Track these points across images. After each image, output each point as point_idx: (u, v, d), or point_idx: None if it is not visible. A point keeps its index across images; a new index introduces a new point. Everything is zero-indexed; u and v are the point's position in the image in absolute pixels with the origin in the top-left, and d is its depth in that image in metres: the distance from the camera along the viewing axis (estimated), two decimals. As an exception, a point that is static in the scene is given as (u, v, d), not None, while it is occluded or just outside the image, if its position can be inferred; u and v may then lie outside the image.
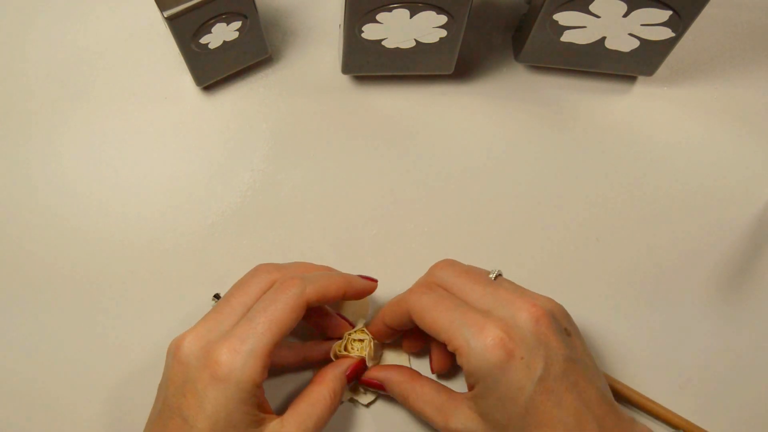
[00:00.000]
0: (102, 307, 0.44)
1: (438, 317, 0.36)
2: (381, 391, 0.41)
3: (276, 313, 0.35)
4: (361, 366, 0.41)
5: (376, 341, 0.42)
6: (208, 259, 0.45)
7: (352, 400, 0.42)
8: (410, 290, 0.39)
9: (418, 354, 0.43)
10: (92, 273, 0.45)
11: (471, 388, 0.36)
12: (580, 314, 0.45)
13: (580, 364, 0.35)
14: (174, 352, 0.35)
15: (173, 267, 0.45)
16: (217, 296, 0.39)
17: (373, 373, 0.41)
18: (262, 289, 0.37)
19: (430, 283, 0.39)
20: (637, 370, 0.44)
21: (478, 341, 0.34)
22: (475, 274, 0.38)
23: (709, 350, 0.45)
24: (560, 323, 0.36)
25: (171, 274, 0.45)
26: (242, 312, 0.36)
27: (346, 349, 0.41)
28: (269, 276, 0.38)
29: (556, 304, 0.37)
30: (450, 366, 0.41)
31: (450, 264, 0.39)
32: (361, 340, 0.41)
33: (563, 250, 0.46)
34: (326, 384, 0.38)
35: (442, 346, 0.36)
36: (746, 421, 0.44)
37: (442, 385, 0.39)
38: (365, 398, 0.42)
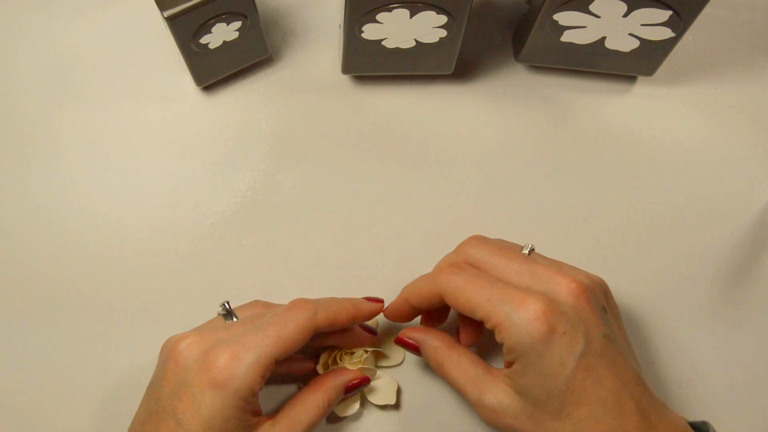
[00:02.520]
0: (101, 307, 0.44)
1: (473, 296, 0.35)
2: (415, 353, 0.40)
3: (285, 330, 0.35)
4: (364, 382, 0.40)
5: (370, 353, 0.41)
6: (208, 259, 0.45)
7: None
8: (440, 270, 0.37)
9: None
10: (92, 273, 0.45)
11: (509, 365, 0.35)
12: (580, 314, 0.45)
13: (617, 342, 0.35)
14: (171, 352, 0.35)
15: (173, 267, 0.45)
16: (226, 305, 0.38)
17: (412, 333, 0.40)
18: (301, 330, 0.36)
19: (459, 262, 0.37)
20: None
21: (520, 315, 0.33)
22: (508, 250, 0.37)
23: (709, 350, 0.45)
24: (599, 300, 0.36)
25: (171, 274, 0.45)
26: (247, 324, 0.36)
27: (335, 361, 0.41)
28: (314, 316, 0.36)
29: (597, 279, 0.37)
30: (478, 340, 0.40)
31: (481, 241, 0.38)
32: (352, 353, 0.41)
33: (563, 250, 0.46)
34: (323, 392, 0.38)
35: (472, 320, 0.35)
36: (746, 421, 0.44)
37: (480, 358, 0.38)
38: (342, 411, 0.41)
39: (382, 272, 0.45)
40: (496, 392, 0.35)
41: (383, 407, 0.42)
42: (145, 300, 0.44)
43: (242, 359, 0.33)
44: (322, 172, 0.47)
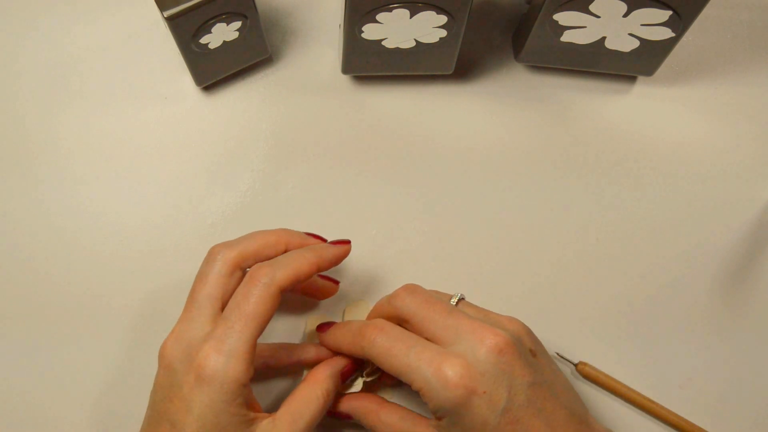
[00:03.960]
0: (101, 307, 0.44)
1: (394, 361, 0.35)
2: (350, 421, 0.40)
3: (249, 308, 0.34)
4: (354, 367, 0.40)
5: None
6: (208, 259, 0.45)
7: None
8: (360, 332, 0.37)
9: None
10: (91, 272, 0.45)
11: (438, 419, 0.35)
12: (579, 313, 0.45)
13: (545, 386, 0.35)
14: (159, 357, 0.36)
15: (173, 267, 0.45)
16: None
17: (341, 407, 0.40)
18: (222, 275, 0.36)
19: (380, 321, 0.37)
20: (637, 370, 0.44)
21: (437, 381, 0.34)
22: (435, 301, 0.37)
23: (709, 350, 0.45)
24: (525, 346, 0.36)
25: (171, 274, 0.45)
26: (210, 306, 0.36)
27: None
28: (224, 258, 0.37)
29: (520, 324, 0.37)
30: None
31: (411, 291, 0.38)
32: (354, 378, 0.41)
33: (563, 250, 0.46)
34: (320, 384, 0.38)
35: None
36: (746, 421, 0.44)
37: (411, 411, 0.39)
38: (347, 388, 0.41)
39: (381, 272, 0.45)
40: None
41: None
42: (144, 300, 0.44)
43: (221, 352, 0.33)
44: (322, 172, 0.47)
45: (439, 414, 0.35)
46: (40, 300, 0.44)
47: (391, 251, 0.46)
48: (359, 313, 0.44)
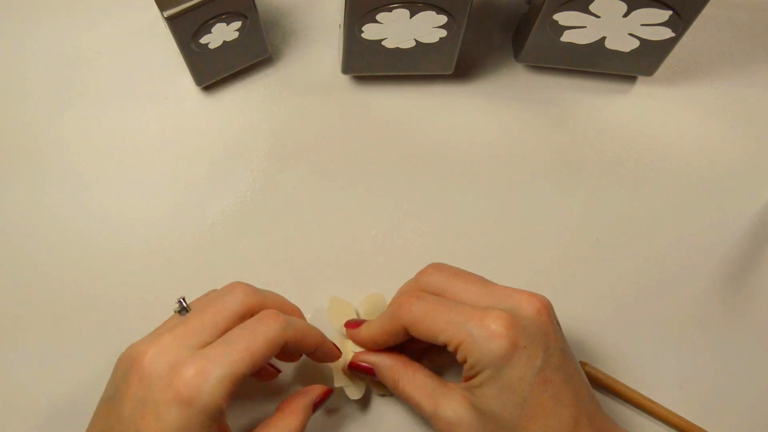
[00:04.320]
0: (100, 306, 0.44)
1: (434, 322, 0.35)
2: (370, 375, 0.40)
3: (255, 344, 0.33)
4: (329, 395, 0.39)
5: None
6: (208, 259, 0.45)
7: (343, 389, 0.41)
8: (398, 304, 0.37)
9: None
10: (90, 272, 0.45)
11: (468, 379, 0.35)
12: (580, 314, 0.45)
13: (572, 358, 0.36)
14: (133, 364, 0.33)
15: (173, 267, 0.45)
16: (182, 302, 0.37)
17: (364, 356, 0.40)
18: (236, 312, 0.35)
19: (416, 291, 0.37)
20: (637, 370, 0.44)
21: (481, 332, 0.34)
22: (466, 273, 0.38)
23: (709, 350, 0.45)
24: (555, 317, 0.37)
25: (171, 274, 0.45)
26: (213, 331, 0.34)
27: None
28: (246, 299, 0.36)
29: (547, 299, 0.37)
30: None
31: (438, 268, 0.38)
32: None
33: (563, 250, 0.46)
34: (295, 415, 0.37)
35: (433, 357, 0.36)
36: (746, 421, 0.44)
37: (435, 374, 0.38)
38: (355, 393, 0.41)
39: (382, 272, 0.45)
40: (453, 405, 0.35)
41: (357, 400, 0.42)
42: (144, 300, 0.44)
43: (210, 375, 0.32)
44: (322, 172, 0.47)
45: (476, 369, 0.34)
46: (36, 297, 0.44)
47: (391, 251, 0.46)
48: (376, 303, 0.44)
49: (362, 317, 0.43)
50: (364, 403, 0.43)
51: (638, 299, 0.45)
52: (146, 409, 0.32)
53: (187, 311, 0.36)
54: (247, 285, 0.37)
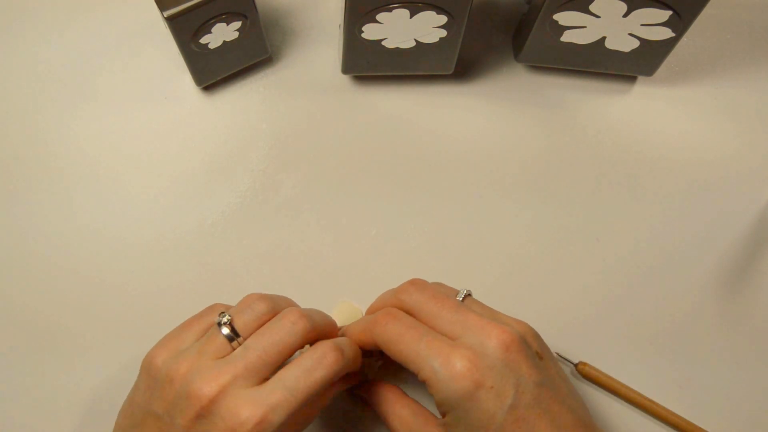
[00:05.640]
0: (100, 306, 0.44)
1: (404, 348, 0.35)
2: (365, 405, 0.41)
3: (313, 387, 0.34)
4: (356, 381, 0.40)
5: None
6: (208, 259, 0.45)
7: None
8: (373, 320, 0.37)
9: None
10: (91, 273, 0.45)
11: (444, 416, 0.35)
12: (579, 313, 0.45)
13: (552, 388, 0.35)
14: (193, 398, 0.33)
15: (173, 267, 0.45)
16: (229, 324, 0.36)
17: (361, 391, 0.40)
18: (295, 348, 0.35)
19: (392, 310, 0.37)
20: (636, 370, 0.44)
21: (445, 372, 0.33)
22: (443, 297, 0.37)
23: (709, 350, 0.45)
24: (531, 347, 0.36)
25: (171, 274, 0.45)
26: (273, 369, 0.35)
27: None
28: (305, 334, 0.36)
29: (527, 326, 0.37)
30: None
31: (418, 287, 0.38)
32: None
33: (563, 250, 0.46)
34: (321, 397, 0.37)
35: None
36: (746, 421, 0.44)
37: (423, 408, 0.38)
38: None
39: (381, 272, 0.45)
40: None
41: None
42: (144, 300, 0.44)
43: (271, 422, 0.32)
44: (322, 172, 0.47)
45: (444, 407, 0.34)
46: (36, 296, 0.44)
47: (391, 251, 0.46)
48: (345, 312, 0.44)
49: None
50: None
51: (638, 299, 0.45)
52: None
53: (234, 336, 0.36)
54: (301, 313, 0.36)
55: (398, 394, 0.40)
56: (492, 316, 0.37)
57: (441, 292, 0.38)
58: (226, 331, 0.35)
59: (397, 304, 0.38)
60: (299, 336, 0.35)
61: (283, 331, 0.35)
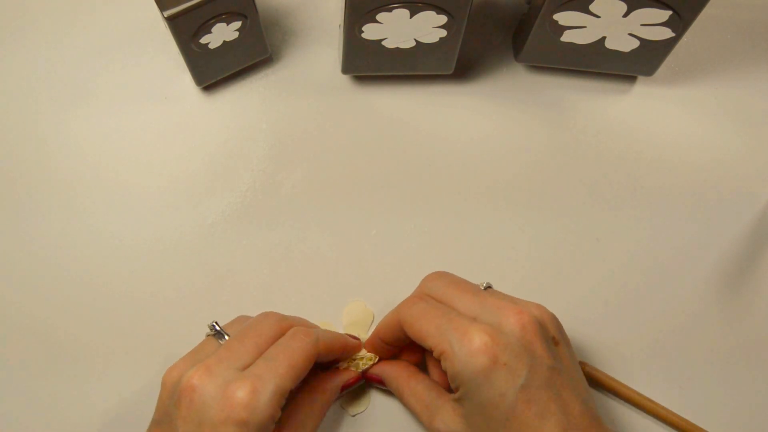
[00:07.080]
0: (100, 305, 0.44)
1: (425, 324, 0.36)
2: (380, 385, 0.41)
3: (294, 357, 0.35)
4: (357, 381, 0.41)
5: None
6: (208, 259, 0.45)
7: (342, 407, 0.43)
8: (402, 302, 0.39)
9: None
10: (91, 273, 0.45)
11: (455, 391, 0.36)
12: (579, 313, 0.45)
13: (565, 374, 0.35)
14: (184, 390, 0.34)
15: (173, 267, 0.45)
16: (216, 326, 0.38)
17: (376, 369, 0.41)
18: (273, 336, 0.37)
19: (420, 294, 0.39)
20: (637, 370, 0.44)
21: (462, 346, 0.34)
22: (464, 284, 0.38)
23: (709, 350, 0.45)
24: (548, 332, 0.36)
25: (170, 274, 0.45)
26: (254, 353, 0.36)
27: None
28: (279, 323, 0.38)
29: (547, 311, 0.37)
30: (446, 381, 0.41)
31: (440, 275, 0.40)
32: (369, 359, 0.42)
33: (563, 250, 0.46)
34: (323, 394, 0.39)
35: (437, 362, 0.36)
36: (746, 421, 0.44)
37: (436, 383, 0.39)
38: (354, 409, 0.42)
39: (382, 272, 0.45)
40: (445, 417, 0.36)
41: (355, 415, 0.43)
42: (144, 300, 0.44)
43: (262, 392, 0.33)
44: (322, 172, 0.47)
45: (456, 382, 0.35)
46: (36, 304, 0.44)
47: (391, 251, 0.46)
48: (356, 311, 0.44)
49: (345, 327, 0.44)
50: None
51: (638, 299, 0.45)
52: (202, 431, 0.33)
53: (222, 335, 0.37)
54: (277, 313, 0.39)
55: (412, 370, 0.41)
56: (511, 300, 0.37)
57: (462, 280, 0.39)
58: (210, 331, 0.38)
59: (422, 290, 0.39)
60: (274, 327, 0.37)
61: (261, 323, 0.38)
